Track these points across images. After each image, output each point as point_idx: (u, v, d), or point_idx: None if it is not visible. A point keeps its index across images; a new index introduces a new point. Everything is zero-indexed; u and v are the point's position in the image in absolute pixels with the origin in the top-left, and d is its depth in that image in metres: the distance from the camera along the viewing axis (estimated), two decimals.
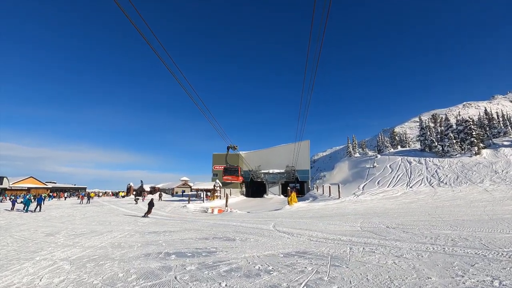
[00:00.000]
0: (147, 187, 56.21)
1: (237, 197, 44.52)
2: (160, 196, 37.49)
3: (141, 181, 56.66)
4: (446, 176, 37.22)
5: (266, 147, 59.53)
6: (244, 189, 55.81)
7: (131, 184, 57.02)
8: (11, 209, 23.64)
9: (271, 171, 53.93)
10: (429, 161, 45.88)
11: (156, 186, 57.59)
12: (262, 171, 53.93)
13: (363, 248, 6.00)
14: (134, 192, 53.14)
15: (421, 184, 35.72)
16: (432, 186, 33.63)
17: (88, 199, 30.75)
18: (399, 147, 73.23)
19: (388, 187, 36.75)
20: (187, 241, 8.36)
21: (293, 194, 21.56)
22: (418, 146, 75.76)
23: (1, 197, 39.93)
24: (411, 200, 22.09)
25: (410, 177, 39.78)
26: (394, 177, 41.27)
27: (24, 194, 48.28)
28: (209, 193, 39.49)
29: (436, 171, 40.38)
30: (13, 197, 26.84)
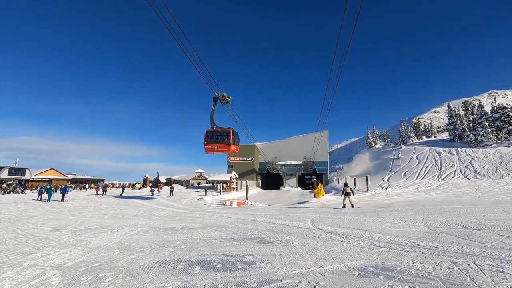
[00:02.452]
0: (162, 179, 55.90)
1: (253, 189, 43.06)
2: (171, 191, 30.03)
3: (157, 173, 56.45)
4: (483, 167, 33.95)
5: (282, 138, 57.42)
6: (259, 181, 54.35)
7: (147, 175, 56.97)
8: (37, 199, 23.72)
9: (288, 162, 51.99)
10: (462, 151, 42.39)
11: (172, 177, 57.16)
12: (279, 162, 52.10)
13: (475, 264, 4.05)
14: (150, 184, 52.97)
15: (454, 176, 32.74)
16: (468, 178, 30.65)
17: (104, 191, 30.06)
18: (424, 137, 68.99)
19: (416, 179, 34.06)
20: (212, 242, 6.69)
21: (320, 186, 19.61)
22: (444, 136, 71.26)
23: (19, 188, 40.34)
24: (455, 194, 19.57)
25: (441, 168, 36.72)
26: (422, 168, 38.34)
27: (45, 185, 49.15)
28: (225, 185, 38.18)
29: (470, 162, 37.06)
30: (39, 188, 26.90)
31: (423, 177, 34.41)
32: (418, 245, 5.42)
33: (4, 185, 42.46)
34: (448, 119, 55.03)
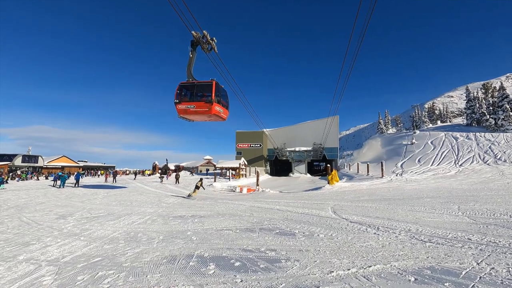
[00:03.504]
0: (171, 166, 56.02)
1: (262, 176, 42.56)
2: (177, 178, 27.61)
3: (166, 160, 56.44)
4: (504, 152, 32.28)
5: (291, 124, 56.21)
6: (268, 167, 53.81)
7: (156, 162, 57.17)
8: (53, 185, 24.08)
9: (297, 149, 51.06)
10: (480, 136, 40.50)
11: (181, 164, 57.26)
12: (288, 149, 51.23)
13: None
14: (160, 171, 53.19)
15: (472, 161, 31.23)
16: (488, 164, 29.18)
17: (114, 178, 29.97)
18: (438, 122, 66.51)
19: (432, 165, 32.72)
20: (225, 233, 6.01)
21: (334, 172, 18.75)
22: (459, 120, 68.51)
23: (33, 175, 41.04)
24: (479, 180, 18.39)
25: (458, 154, 35.16)
26: (437, 154, 36.83)
27: (58, 172, 50.07)
28: (234, 172, 37.74)
29: (490, 147, 35.35)
30: (54, 175, 27.27)
31: (439, 163, 33.06)
32: (470, 239, 4.58)
33: (19, 172, 43.36)
34: (466, 102, 52.39)
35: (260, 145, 52.88)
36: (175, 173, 29.95)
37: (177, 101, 11.65)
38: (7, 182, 23.91)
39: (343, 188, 17.28)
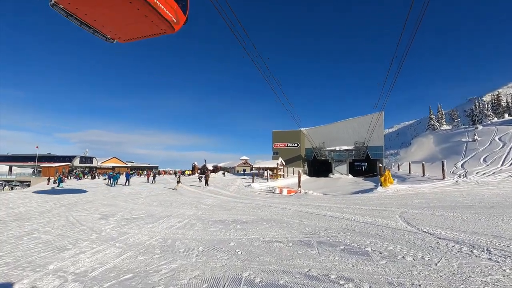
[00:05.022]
0: (210, 166, 57.09)
1: (301, 177, 40.77)
2: (206, 181, 23.77)
3: (205, 160, 57.68)
4: None
5: (330, 122, 53.29)
6: (306, 168, 51.69)
7: (196, 163, 58.85)
8: (107, 183, 26.15)
9: (337, 148, 48.12)
10: None
11: (218, 165, 58.10)
12: (327, 148, 48.57)
13: None
14: (199, 171, 54.56)
15: None
16: None
17: (154, 178, 30.91)
18: (506, 115, 57.51)
19: (502, 165, 27.77)
20: (276, 247, 4.92)
21: (388, 173, 16.51)
22: None
23: (87, 174, 44.89)
24: None
25: None
26: (509, 152, 31.33)
27: (110, 172, 54.53)
28: (271, 172, 36.66)
29: None
30: (108, 174, 29.57)
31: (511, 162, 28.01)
32: None
33: (76, 172, 47.97)
34: None
35: (298, 145, 51.12)
36: (204, 176, 25.90)
37: None
38: (63, 181, 26.20)
39: (400, 191, 15.03)
